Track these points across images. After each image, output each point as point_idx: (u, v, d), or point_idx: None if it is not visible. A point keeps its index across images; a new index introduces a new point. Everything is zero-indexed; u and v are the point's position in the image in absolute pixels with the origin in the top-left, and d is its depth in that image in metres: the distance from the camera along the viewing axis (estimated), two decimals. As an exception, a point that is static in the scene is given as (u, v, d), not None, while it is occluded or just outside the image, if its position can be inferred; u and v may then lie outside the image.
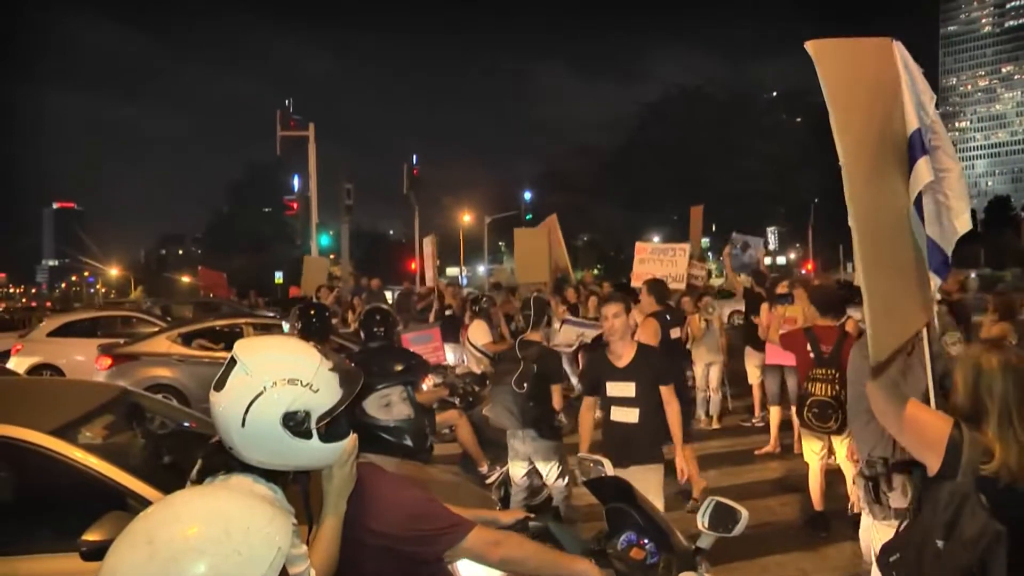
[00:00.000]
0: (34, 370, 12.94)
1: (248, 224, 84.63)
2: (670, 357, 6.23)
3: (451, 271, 63.10)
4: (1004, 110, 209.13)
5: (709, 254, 50.48)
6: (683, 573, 2.58)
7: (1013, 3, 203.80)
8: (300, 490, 2.28)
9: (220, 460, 2.11)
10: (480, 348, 9.13)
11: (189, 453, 4.51)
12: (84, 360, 12.48)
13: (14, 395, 4.66)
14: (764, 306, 9.30)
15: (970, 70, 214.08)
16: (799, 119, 68.88)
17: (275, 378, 2.03)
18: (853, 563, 5.65)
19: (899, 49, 3.18)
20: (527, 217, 53.81)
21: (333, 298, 14.47)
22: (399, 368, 2.59)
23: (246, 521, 1.37)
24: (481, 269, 64.88)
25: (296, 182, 46.82)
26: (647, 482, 4.54)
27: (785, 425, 9.02)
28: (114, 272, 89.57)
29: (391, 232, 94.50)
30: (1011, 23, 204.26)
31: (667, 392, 5.09)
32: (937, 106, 3.13)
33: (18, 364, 12.81)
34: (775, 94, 72.83)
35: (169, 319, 16.15)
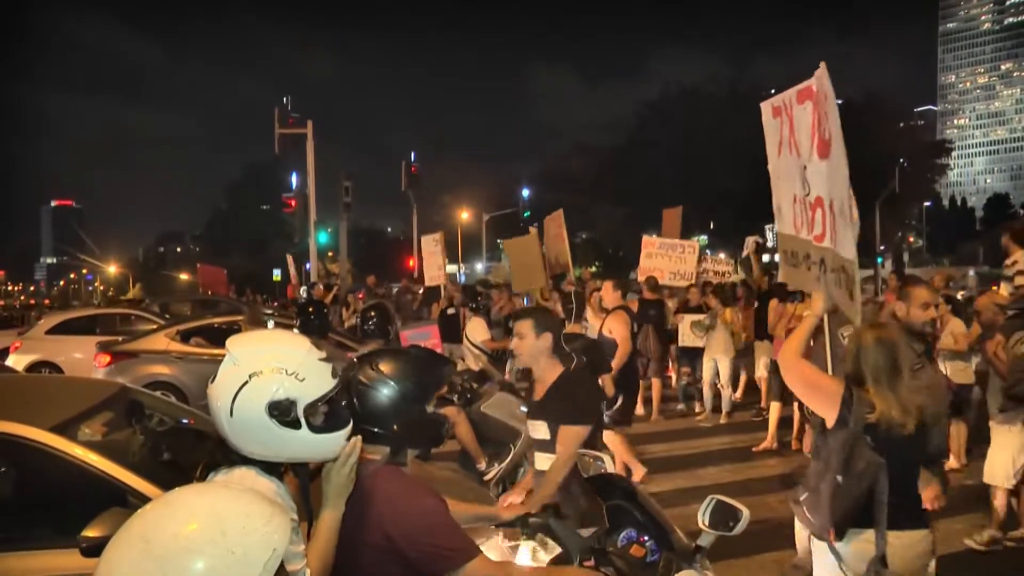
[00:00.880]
0: (33, 368, 12.94)
1: (246, 222, 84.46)
2: (622, 373, 6.18)
3: (449, 268, 63.05)
4: (1003, 107, 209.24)
5: (707, 251, 50.45)
6: (683, 571, 2.59)
7: (1012, 0, 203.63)
8: (300, 485, 2.28)
9: (222, 454, 2.12)
10: (478, 345, 9.15)
11: (188, 450, 4.55)
12: (83, 358, 12.46)
13: (14, 392, 4.66)
14: (773, 302, 9.37)
15: (969, 67, 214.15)
16: (798, 117, 68.89)
17: (260, 367, 2.05)
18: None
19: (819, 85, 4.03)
20: (525, 215, 53.80)
21: (331, 296, 14.49)
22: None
23: (242, 521, 1.37)
24: (479, 267, 64.88)
25: (294, 180, 46.80)
26: None
27: (785, 423, 9.05)
28: (112, 270, 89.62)
29: (389, 230, 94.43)
30: (1011, 20, 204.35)
31: (566, 434, 3.78)
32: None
33: (17, 362, 12.80)
34: (773, 92, 72.63)
35: (167, 316, 16.14)
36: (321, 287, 17.54)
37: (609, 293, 8.21)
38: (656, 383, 10.89)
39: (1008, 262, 7.20)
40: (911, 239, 74.74)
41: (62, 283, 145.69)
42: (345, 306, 15.07)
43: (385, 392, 2.36)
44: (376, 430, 2.35)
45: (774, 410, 9.12)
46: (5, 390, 4.76)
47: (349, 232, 31.10)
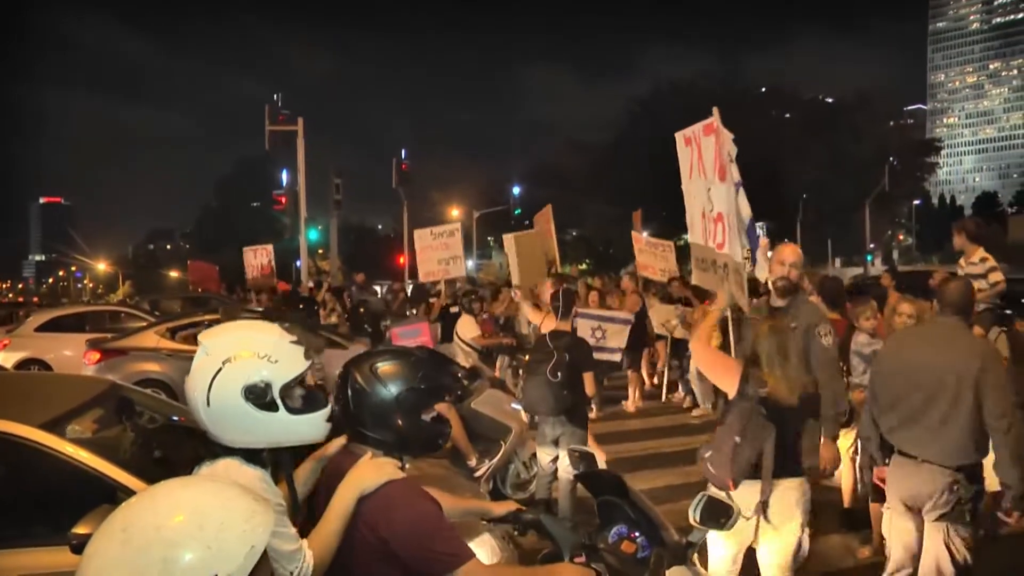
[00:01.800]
0: (22, 365, 12.88)
1: (237, 219, 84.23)
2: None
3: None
4: (992, 106, 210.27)
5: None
6: (674, 567, 2.60)
7: (1001, 0, 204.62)
8: (285, 476, 2.29)
9: (205, 448, 2.14)
10: (468, 342, 9.15)
11: (179, 447, 4.54)
12: (72, 355, 12.40)
13: (3, 389, 4.64)
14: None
15: (958, 66, 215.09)
16: (788, 115, 69.03)
17: (232, 353, 2.08)
18: (840, 555, 5.70)
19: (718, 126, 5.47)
20: (516, 212, 53.74)
21: (322, 294, 14.42)
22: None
23: (221, 516, 1.37)
24: (470, 263, 64.82)
25: (285, 177, 46.68)
26: None
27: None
28: (102, 267, 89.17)
29: (379, 227, 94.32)
30: (999, 20, 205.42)
31: None
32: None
33: (5, 359, 12.76)
34: (764, 90, 72.87)
35: (157, 314, 16.08)
36: (311, 285, 17.54)
37: (550, 290, 8.21)
38: (632, 376, 11.39)
39: (974, 259, 7.21)
40: (901, 237, 75.20)
41: (51, 280, 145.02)
42: (322, 306, 15.04)
43: (379, 397, 2.33)
44: (368, 432, 2.35)
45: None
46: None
47: (339, 229, 31.06)
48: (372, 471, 2.23)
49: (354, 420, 2.35)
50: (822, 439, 4.72)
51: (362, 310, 12.69)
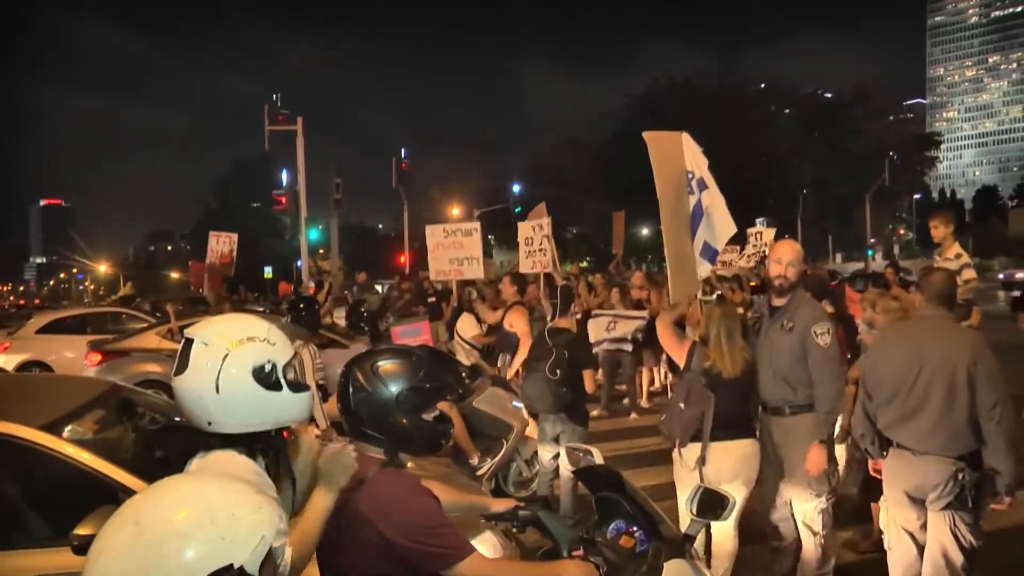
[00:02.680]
0: (23, 367, 12.89)
1: (237, 219, 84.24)
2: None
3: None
4: (991, 100, 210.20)
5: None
6: (672, 560, 2.61)
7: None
8: (284, 466, 2.33)
9: (199, 441, 2.18)
10: (468, 340, 9.16)
11: (180, 447, 4.54)
12: (73, 357, 12.42)
13: (4, 391, 4.65)
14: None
15: (957, 60, 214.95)
16: (787, 111, 69.04)
17: (234, 339, 2.15)
18: (840, 550, 5.70)
19: (685, 138, 6.28)
20: (516, 210, 53.70)
21: (325, 293, 14.39)
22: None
23: (231, 508, 1.39)
24: (471, 263, 64.75)
25: (285, 177, 46.65)
26: None
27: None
28: (103, 269, 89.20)
29: (380, 226, 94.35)
30: (997, 13, 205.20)
31: None
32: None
33: (6, 361, 12.77)
34: (763, 86, 72.89)
35: (158, 315, 16.10)
36: (312, 285, 17.47)
37: (507, 287, 8.35)
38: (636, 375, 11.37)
39: (949, 255, 7.20)
40: (901, 231, 75.16)
41: (52, 283, 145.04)
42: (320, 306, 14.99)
43: (381, 396, 2.34)
44: (369, 431, 2.36)
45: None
46: (-5, 389, 4.76)
47: (340, 229, 31.05)
48: (335, 467, 2.28)
49: (356, 419, 2.37)
50: (812, 442, 4.57)
51: (362, 309, 12.71)
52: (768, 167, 61.36)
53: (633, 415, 10.88)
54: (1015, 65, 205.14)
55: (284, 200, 31.80)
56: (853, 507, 6.14)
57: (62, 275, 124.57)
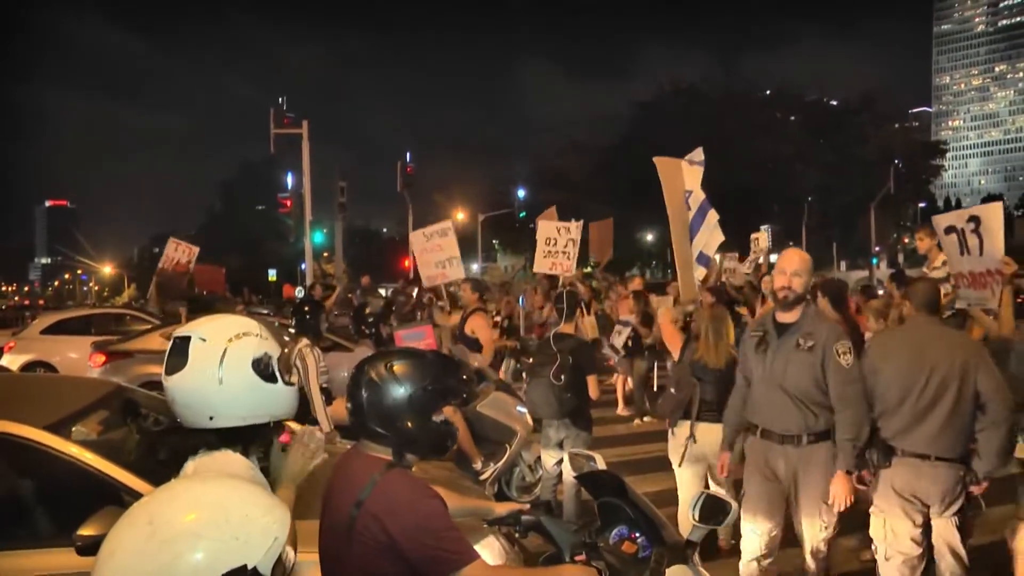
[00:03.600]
0: (27, 368, 12.92)
1: (242, 222, 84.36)
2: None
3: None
4: (997, 109, 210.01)
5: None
6: (674, 566, 2.61)
7: (1006, 2, 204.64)
8: (270, 461, 2.37)
9: (195, 440, 2.20)
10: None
11: (184, 449, 4.54)
12: (78, 358, 12.44)
13: (9, 391, 4.66)
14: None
15: (963, 69, 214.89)
16: (793, 117, 69.01)
17: (231, 334, 2.23)
18: (843, 556, 5.69)
19: (684, 165, 7.31)
20: (521, 215, 53.74)
21: (333, 297, 14.37)
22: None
23: (244, 509, 1.40)
24: (475, 267, 64.80)
25: (290, 180, 46.72)
26: None
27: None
28: (107, 270, 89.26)
29: (384, 230, 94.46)
30: (1004, 22, 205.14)
31: None
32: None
33: (11, 362, 12.79)
34: (768, 92, 72.90)
35: (163, 317, 16.11)
36: (319, 288, 17.44)
37: (467, 294, 8.49)
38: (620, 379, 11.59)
39: (936, 264, 7.21)
40: (906, 240, 74.93)
41: (56, 283, 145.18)
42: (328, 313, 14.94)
43: (394, 396, 2.35)
44: (378, 430, 2.37)
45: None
46: (1, 389, 4.77)
47: (344, 232, 31.08)
48: (298, 458, 2.35)
49: (366, 418, 2.37)
50: (836, 471, 4.18)
51: (366, 312, 12.73)
52: (773, 173, 61.31)
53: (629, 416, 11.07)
54: (1021, 74, 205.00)
55: (289, 203, 31.91)
56: (854, 514, 6.13)
57: (66, 276, 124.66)
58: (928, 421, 4.10)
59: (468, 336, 7.85)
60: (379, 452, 2.37)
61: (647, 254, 64.41)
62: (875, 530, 4.48)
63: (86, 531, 2.97)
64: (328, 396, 5.69)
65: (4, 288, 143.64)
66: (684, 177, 7.25)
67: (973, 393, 4.07)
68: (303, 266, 28.76)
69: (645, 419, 10.83)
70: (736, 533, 4.91)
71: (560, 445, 6.15)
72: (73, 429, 3.78)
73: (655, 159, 7.49)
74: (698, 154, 8.37)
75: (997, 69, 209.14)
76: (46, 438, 3.49)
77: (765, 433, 4.40)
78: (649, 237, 59.52)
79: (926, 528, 4.26)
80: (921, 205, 74.03)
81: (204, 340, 2.21)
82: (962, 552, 4.18)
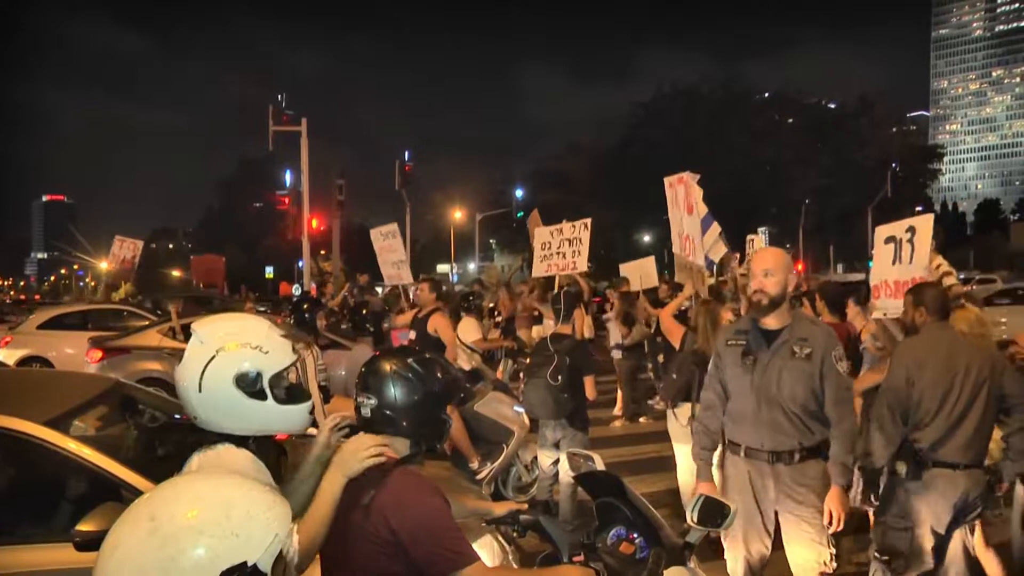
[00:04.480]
0: (23, 363, 12.91)
1: (239, 219, 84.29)
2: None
3: (442, 268, 62.96)
4: (994, 113, 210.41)
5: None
6: (672, 567, 2.62)
7: (1004, 8, 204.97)
8: (267, 464, 2.35)
9: (201, 437, 2.20)
10: (470, 345, 9.16)
11: (182, 445, 4.54)
12: (74, 353, 12.44)
13: (8, 386, 4.65)
14: None
15: (961, 73, 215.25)
16: (791, 120, 69.01)
17: (225, 342, 2.18)
18: (843, 559, 5.70)
19: (687, 178, 7.65)
20: (519, 215, 53.72)
21: (339, 299, 14.32)
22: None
23: (246, 506, 1.41)
24: (472, 266, 64.78)
25: (288, 177, 46.62)
26: None
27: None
28: (104, 266, 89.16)
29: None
30: (1002, 27, 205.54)
31: None
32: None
33: (7, 356, 12.76)
34: (767, 95, 72.87)
35: (159, 313, 16.09)
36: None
37: (425, 293, 8.43)
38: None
39: (932, 266, 7.25)
40: (903, 243, 75.02)
41: (53, 278, 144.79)
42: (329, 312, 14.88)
43: (418, 388, 2.41)
44: (395, 418, 2.40)
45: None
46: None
47: (342, 230, 31.04)
48: (351, 456, 2.29)
49: (390, 411, 2.39)
50: (831, 487, 3.85)
51: (364, 310, 12.72)
52: (771, 176, 61.35)
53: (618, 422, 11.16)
54: (1018, 79, 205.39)
55: (287, 200, 31.81)
56: (852, 517, 6.14)
57: (63, 271, 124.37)
58: (960, 430, 4.10)
59: (430, 335, 7.80)
60: (393, 445, 2.39)
61: (646, 254, 64.30)
62: (889, 538, 4.40)
63: (85, 527, 2.97)
64: (326, 394, 5.69)
65: (0, 283, 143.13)
66: (687, 187, 7.82)
67: (998, 397, 4.13)
68: (300, 264, 28.71)
69: (640, 420, 10.85)
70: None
71: (556, 445, 6.16)
72: (72, 425, 3.79)
73: (665, 178, 8.24)
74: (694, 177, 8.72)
75: (994, 74, 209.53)
76: (46, 433, 3.49)
77: (751, 452, 3.97)
78: (647, 238, 59.55)
79: (943, 538, 4.21)
80: (918, 209, 73.94)
81: (201, 343, 2.20)
82: (977, 556, 4.22)
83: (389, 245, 11.21)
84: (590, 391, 6.08)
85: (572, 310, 6.46)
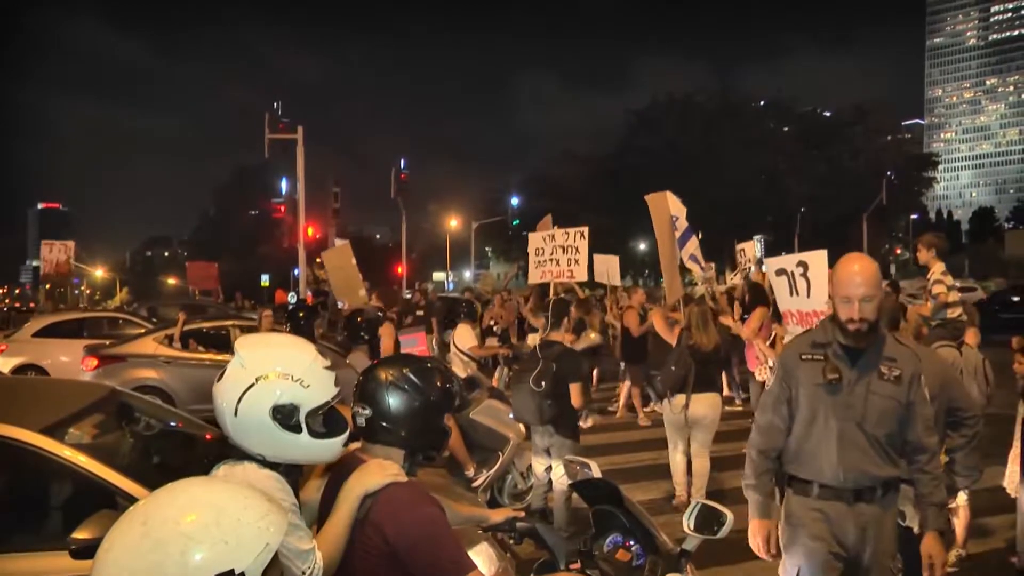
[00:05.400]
0: (18, 371, 12.86)
1: (235, 226, 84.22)
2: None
3: (437, 276, 62.98)
4: (988, 122, 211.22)
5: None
6: (668, 574, 2.62)
7: (998, 17, 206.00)
8: (290, 483, 2.32)
9: (228, 448, 2.19)
10: (466, 352, 9.16)
11: (177, 452, 4.55)
12: (69, 361, 12.41)
13: (3, 393, 4.65)
14: (760, 310, 9.35)
15: (955, 82, 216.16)
16: (786, 128, 69.26)
17: (267, 371, 2.12)
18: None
19: (669, 196, 9.23)
20: (514, 223, 53.77)
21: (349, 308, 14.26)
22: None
23: (237, 514, 1.41)
24: (467, 274, 64.88)
25: (284, 185, 46.69)
26: None
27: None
28: (100, 274, 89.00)
29: (378, 236, 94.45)
30: (996, 36, 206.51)
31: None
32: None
33: (3, 364, 12.73)
34: (763, 103, 73.13)
35: (155, 321, 16.07)
36: (310, 294, 17.42)
37: (377, 300, 8.64)
38: (635, 389, 11.65)
39: (935, 275, 7.26)
40: (898, 251, 75.28)
41: (47, 286, 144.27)
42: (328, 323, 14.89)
43: (415, 398, 2.38)
44: (391, 428, 2.38)
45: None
46: (-5, 392, 4.76)
47: (338, 238, 31.04)
48: (377, 471, 2.27)
49: (385, 420, 2.38)
50: (926, 532, 3.36)
51: (360, 318, 12.66)
52: (767, 184, 61.53)
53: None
54: (1012, 88, 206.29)
55: (283, 208, 31.84)
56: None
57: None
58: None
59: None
60: (388, 455, 2.38)
61: (640, 263, 64.52)
62: None
63: (81, 534, 2.97)
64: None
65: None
66: (670, 204, 9.11)
67: (946, 411, 4.14)
68: (296, 271, 28.70)
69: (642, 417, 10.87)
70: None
71: (548, 452, 6.16)
72: (68, 432, 3.78)
73: (646, 197, 9.40)
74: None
75: (988, 82, 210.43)
76: (42, 441, 3.49)
77: (827, 490, 3.33)
78: (643, 246, 59.63)
79: None
80: (913, 216, 74.43)
81: (242, 366, 2.15)
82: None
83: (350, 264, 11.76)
84: (575, 398, 6.00)
85: (562, 318, 6.45)
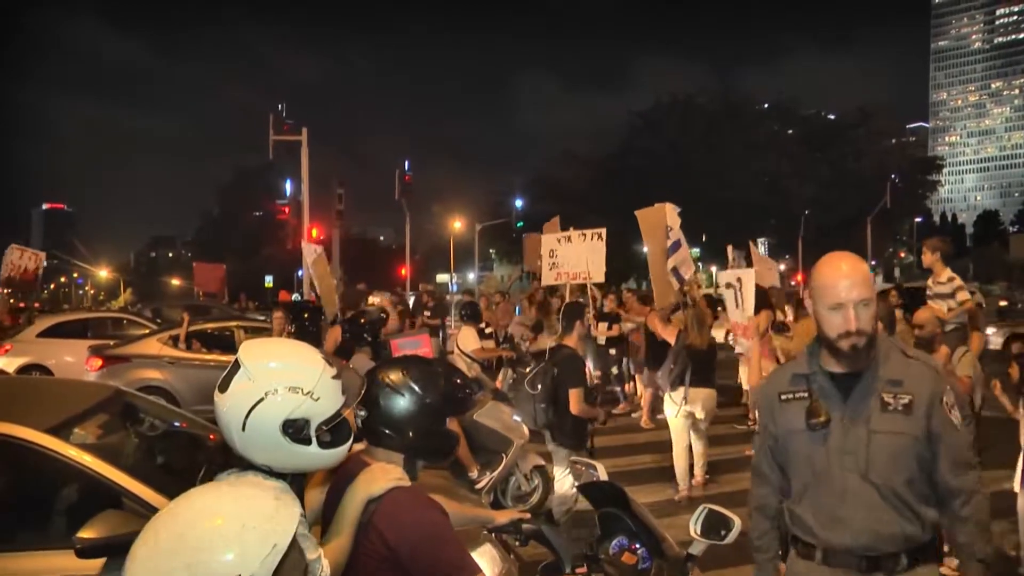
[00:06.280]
0: (23, 371, 12.87)
1: (239, 227, 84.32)
2: None
3: (441, 278, 62.97)
4: (993, 125, 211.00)
5: (700, 263, 50.48)
6: (674, 578, 2.62)
7: (1003, 20, 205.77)
8: (296, 490, 2.31)
9: (235, 459, 2.16)
10: (469, 354, 9.16)
11: (181, 453, 4.56)
12: (74, 361, 12.42)
13: (9, 393, 4.66)
14: (764, 313, 9.32)
15: (960, 85, 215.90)
16: (790, 131, 69.15)
17: (276, 385, 2.05)
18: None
19: (669, 208, 9.65)
20: (518, 224, 53.72)
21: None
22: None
23: (242, 519, 1.41)
24: (471, 276, 64.80)
25: (288, 186, 46.68)
26: None
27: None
28: (104, 274, 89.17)
29: (381, 238, 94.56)
30: (1001, 39, 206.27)
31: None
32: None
33: (7, 364, 12.73)
34: (766, 106, 72.98)
35: (159, 321, 16.08)
36: (314, 295, 17.43)
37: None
38: (645, 391, 11.63)
39: (942, 279, 7.32)
40: (902, 254, 75.20)
41: (52, 286, 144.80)
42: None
43: (412, 401, 2.36)
44: (391, 433, 2.37)
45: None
46: (1, 391, 4.77)
47: (341, 240, 31.07)
48: (380, 476, 2.26)
49: (384, 424, 2.37)
50: None
51: (362, 320, 12.66)
52: (770, 187, 61.43)
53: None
54: (1017, 91, 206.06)
55: (287, 210, 31.87)
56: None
57: (63, 279, 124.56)
58: None
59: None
60: (390, 458, 2.37)
61: (642, 265, 64.37)
62: None
63: (86, 534, 2.97)
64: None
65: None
66: (668, 216, 9.48)
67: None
68: (300, 273, 28.71)
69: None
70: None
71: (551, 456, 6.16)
72: (73, 432, 3.79)
73: (636, 212, 10.07)
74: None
75: (993, 86, 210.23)
76: (47, 441, 3.49)
77: (832, 555, 2.60)
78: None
79: None
80: (918, 220, 74.31)
81: (250, 380, 2.12)
82: None
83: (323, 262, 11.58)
84: (574, 405, 5.88)
85: (574, 322, 6.34)
